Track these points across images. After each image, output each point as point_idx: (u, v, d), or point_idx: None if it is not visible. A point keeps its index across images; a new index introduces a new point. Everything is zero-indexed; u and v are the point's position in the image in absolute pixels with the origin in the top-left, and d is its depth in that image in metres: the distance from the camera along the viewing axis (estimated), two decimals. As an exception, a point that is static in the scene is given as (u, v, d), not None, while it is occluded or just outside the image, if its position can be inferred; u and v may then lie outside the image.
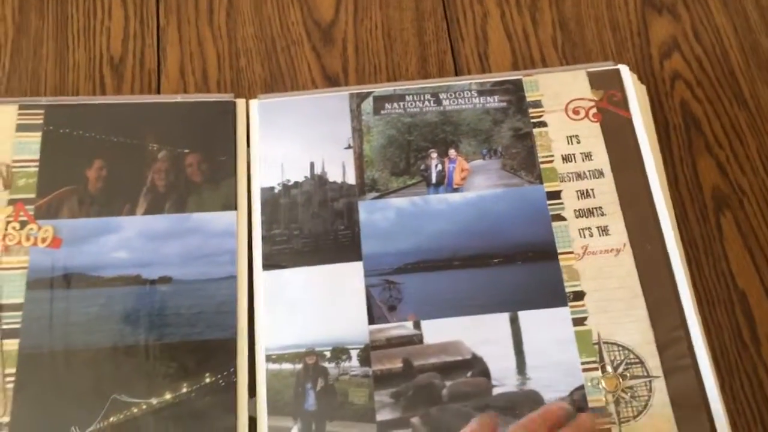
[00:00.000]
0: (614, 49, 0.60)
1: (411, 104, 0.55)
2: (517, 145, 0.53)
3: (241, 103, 0.55)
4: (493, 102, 0.55)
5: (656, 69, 0.60)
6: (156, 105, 0.55)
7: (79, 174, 0.51)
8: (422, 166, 0.53)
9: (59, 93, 0.59)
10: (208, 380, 0.46)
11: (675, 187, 0.55)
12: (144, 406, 0.45)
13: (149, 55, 0.61)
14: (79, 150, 0.52)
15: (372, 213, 0.51)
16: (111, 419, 0.45)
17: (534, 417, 0.43)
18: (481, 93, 0.55)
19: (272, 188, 0.52)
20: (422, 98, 0.55)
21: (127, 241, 0.49)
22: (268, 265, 0.49)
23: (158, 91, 0.59)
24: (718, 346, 0.51)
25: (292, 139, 0.54)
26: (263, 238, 0.50)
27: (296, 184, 0.52)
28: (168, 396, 0.45)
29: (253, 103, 0.55)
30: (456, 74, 0.60)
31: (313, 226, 0.51)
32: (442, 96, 0.55)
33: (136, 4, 0.63)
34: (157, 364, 0.46)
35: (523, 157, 0.53)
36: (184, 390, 0.46)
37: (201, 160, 0.53)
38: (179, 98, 0.55)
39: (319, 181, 0.52)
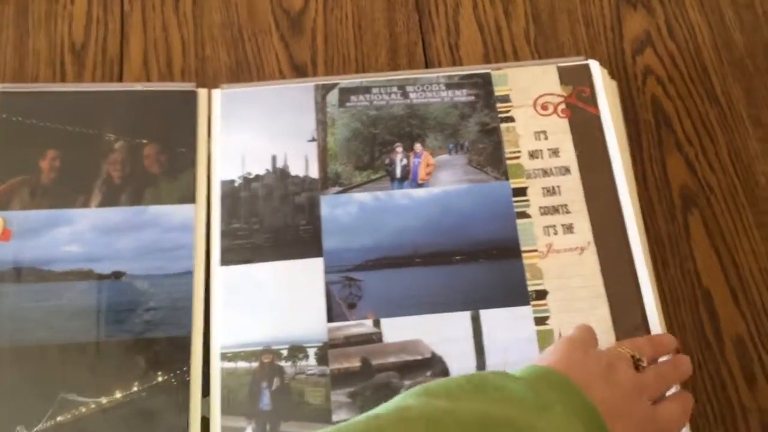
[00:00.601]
0: (587, 43, 0.59)
1: (377, 97, 0.53)
2: (484, 140, 0.52)
3: (202, 92, 0.54)
4: (461, 96, 0.54)
5: (628, 64, 0.59)
6: (114, 93, 0.53)
7: (32, 164, 0.50)
8: (387, 161, 0.52)
9: (18, 80, 0.57)
10: (160, 379, 0.45)
11: (643, 184, 0.55)
12: (93, 406, 0.44)
13: (112, 42, 0.59)
14: (33, 139, 0.51)
15: (334, 208, 0.50)
16: (59, 419, 0.43)
17: (642, 339, 0.44)
18: (449, 86, 0.54)
19: (232, 181, 0.51)
20: (389, 91, 0.54)
21: (79, 234, 0.48)
22: (226, 261, 0.48)
23: (121, 79, 0.57)
24: (682, 346, 0.50)
25: (254, 130, 0.52)
26: (222, 232, 0.49)
27: (257, 177, 0.51)
28: (118, 395, 0.44)
29: (216, 93, 0.54)
30: (426, 66, 0.58)
31: (274, 221, 0.49)
32: (409, 89, 0.54)
33: (99, -12, 0.61)
34: (108, 362, 0.45)
35: (489, 153, 0.52)
36: (135, 389, 0.44)
37: (159, 151, 0.51)
38: (138, 87, 0.54)
39: (280, 174, 0.51)
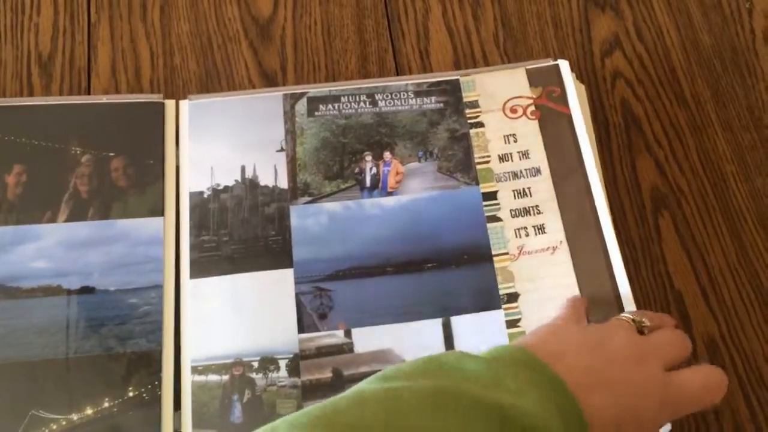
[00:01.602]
0: (556, 46, 0.60)
1: (346, 105, 0.53)
2: (454, 147, 0.52)
3: (170, 104, 0.53)
4: (430, 103, 0.54)
5: (597, 67, 0.59)
6: (80, 106, 0.53)
7: (-2, 179, 0.49)
8: (356, 170, 0.52)
9: (-16, 92, 0.56)
10: (131, 394, 0.45)
11: (614, 186, 0.55)
12: (64, 422, 0.44)
13: (79, 53, 0.58)
14: (-2, 154, 0.50)
15: (304, 218, 0.50)
16: (29, 436, 0.43)
17: (648, 311, 0.43)
18: (417, 94, 0.54)
19: (201, 193, 0.50)
20: (358, 99, 0.54)
21: (47, 249, 0.48)
22: (195, 273, 0.48)
23: (89, 91, 0.57)
24: (654, 348, 0.50)
25: (223, 141, 0.52)
26: (191, 245, 0.49)
27: (226, 188, 0.51)
28: (89, 411, 0.44)
29: (183, 104, 0.53)
30: (397, 73, 0.58)
31: (243, 232, 0.49)
32: (378, 97, 0.54)
33: (66, -2, 0.60)
34: (78, 378, 0.45)
35: (459, 159, 0.52)
36: (107, 404, 0.44)
37: (127, 164, 0.51)
38: (105, 99, 0.53)
39: (249, 185, 0.51)
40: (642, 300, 0.51)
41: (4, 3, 0.60)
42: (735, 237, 0.54)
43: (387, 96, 0.54)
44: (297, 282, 0.47)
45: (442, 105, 0.54)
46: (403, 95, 0.54)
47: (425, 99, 0.54)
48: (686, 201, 0.55)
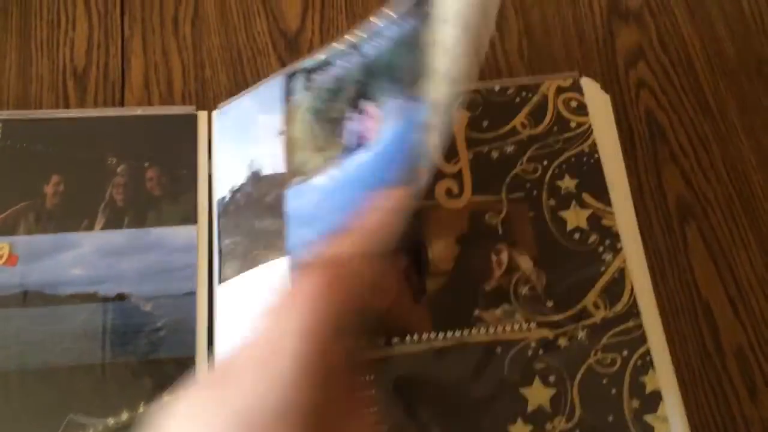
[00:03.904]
0: (580, 58, 0.60)
1: (338, 68, 0.47)
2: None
3: (202, 115, 0.55)
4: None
5: (621, 77, 0.60)
6: (116, 118, 0.54)
7: (36, 189, 0.51)
8: (342, 133, 0.46)
9: (21, 106, 0.58)
10: (166, 399, 0.45)
11: (639, 196, 0.55)
12: (100, 427, 0.44)
13: (113, 66, 0.60)
14: (36, 165, 0.51)
15: (297, 199, 0.47)
16: (66, 439, 0.44)
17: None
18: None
19: (223, 198, 0.51)
20: (349, 60, 0.46)
21: (84, 257, 0.49)
22: (221, 278, 0.48)
23: (122, 103, 0.58)
24: (683, 357, 0.50)
25: (237, 141, 0.51)
26: (218, 250, 0.49)
27: (241, 187, 0.50)
28: (125, 416, 0.45)
29: (215, 115, 0.55)
30: (422, 84, 0.59)
31: (252, 227, 0.48)
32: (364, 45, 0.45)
33: (100, 14, 0.62)
34: (114, 383, 0.46)
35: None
36: (142, 409, 0.45)
37: (161, 174, 0.52)
38: (139, 111, 0.55)
39: (253, 177, 0.50)
40: (669, 310, 0.52)
41: (41, 18, 0.62)
42: (762, 246, 0.54)
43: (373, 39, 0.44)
44: (292, 268, 0.45)
45: None
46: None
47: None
48: (713, 210, 0.55)
